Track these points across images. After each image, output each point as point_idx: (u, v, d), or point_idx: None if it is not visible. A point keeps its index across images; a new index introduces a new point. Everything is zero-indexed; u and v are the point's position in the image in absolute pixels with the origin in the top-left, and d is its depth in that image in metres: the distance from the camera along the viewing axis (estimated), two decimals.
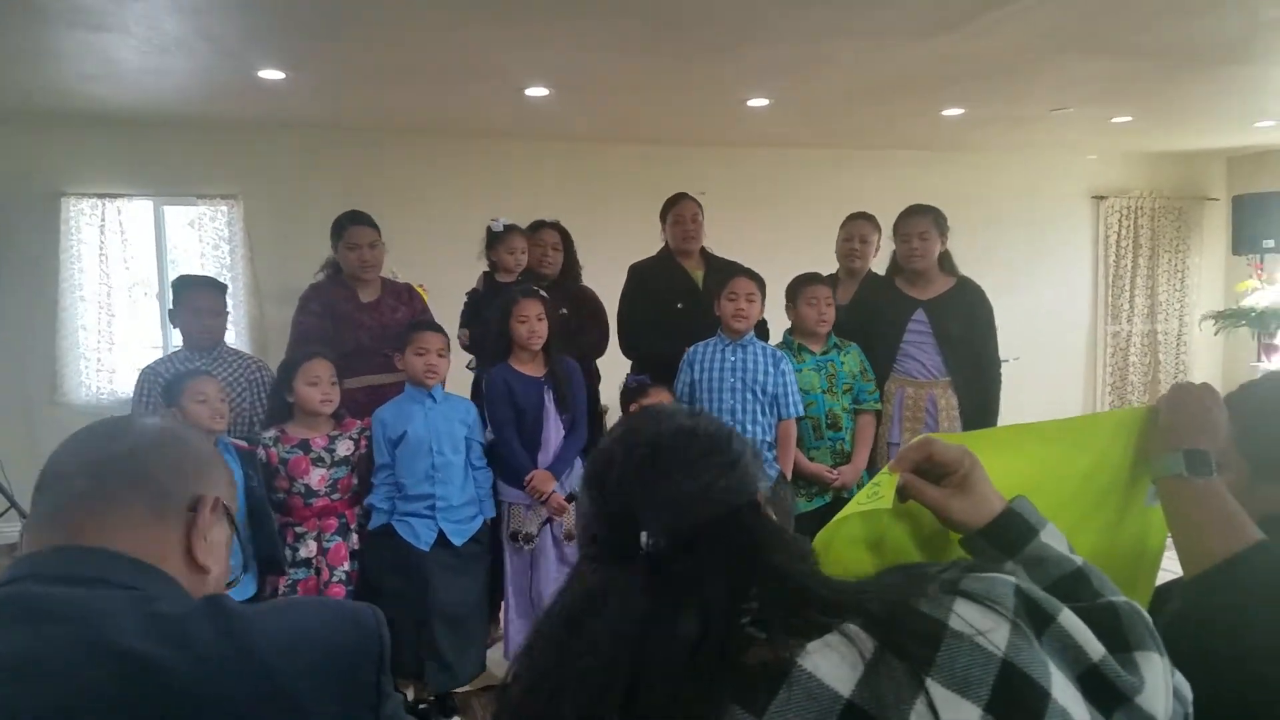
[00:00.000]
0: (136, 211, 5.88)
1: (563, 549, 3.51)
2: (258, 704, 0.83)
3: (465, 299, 4.06)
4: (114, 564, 0.90)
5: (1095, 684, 0.82)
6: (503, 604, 3.67)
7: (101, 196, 5.71)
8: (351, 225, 3.76)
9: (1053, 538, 1.05)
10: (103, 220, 5.72)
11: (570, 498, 3.48)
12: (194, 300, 3.60)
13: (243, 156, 5.95)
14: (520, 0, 3.56)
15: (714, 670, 0.79)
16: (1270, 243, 7.57)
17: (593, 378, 4.11)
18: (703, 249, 4.22)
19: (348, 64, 4.47)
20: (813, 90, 5.23)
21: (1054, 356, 7.64)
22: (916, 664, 0.77)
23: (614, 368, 4.18)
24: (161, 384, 3.38)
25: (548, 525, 3.49)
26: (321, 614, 0.93)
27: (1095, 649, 0.84)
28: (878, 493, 1.15)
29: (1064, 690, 0.79)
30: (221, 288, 3.77)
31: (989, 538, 1.06)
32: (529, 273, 4.00)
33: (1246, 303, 7.41)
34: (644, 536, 0.86)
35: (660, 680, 0.79)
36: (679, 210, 4.15)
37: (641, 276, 4.25)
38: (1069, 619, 0.85)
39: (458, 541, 3.36)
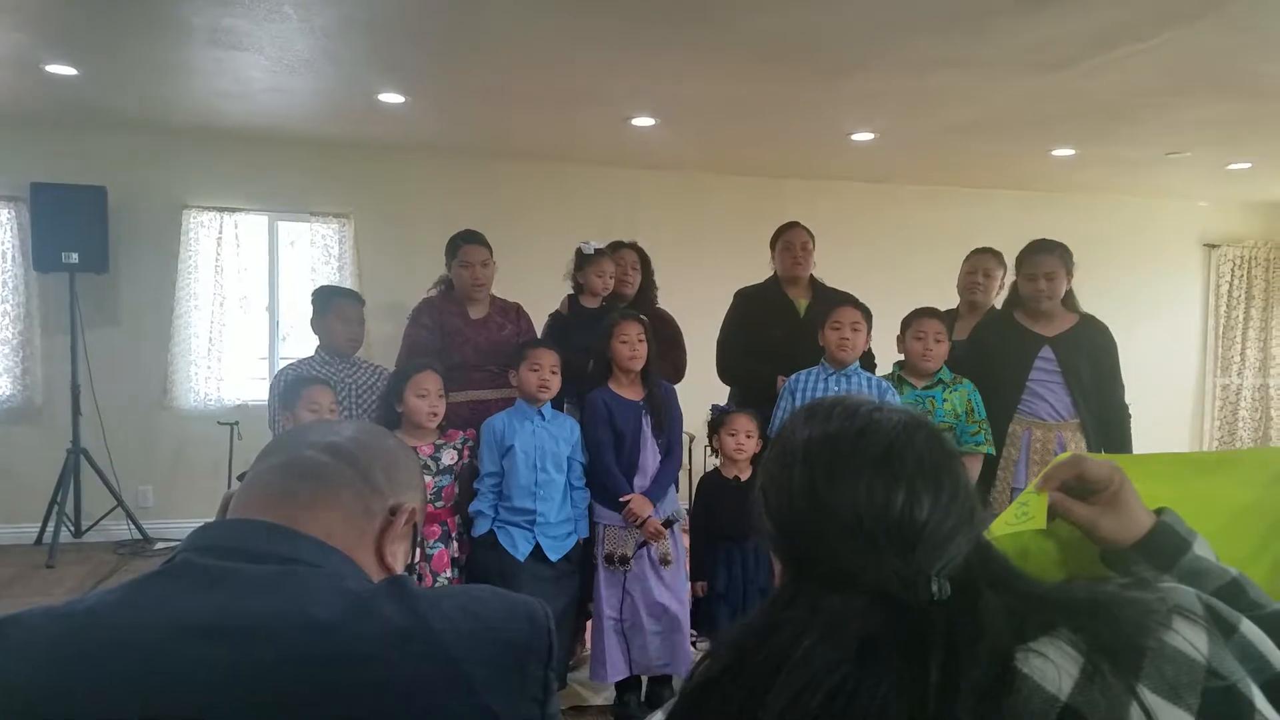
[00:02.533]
0: (252, 225, 6.11)
1: (660, 573, 3.49)
2: (434, 682, 0.84)
3: (547, 323, 4.07)
4: (311, 547, 0.93)
5: (1279, 694, 0.81)
6: (589, 624, 3.67)
7: (220, 210, 5.95)
8: (465, 244, 3.86)
9: (1204, 549, 1.03)
10: (220, 232, 5.95)
11: (667, 523, 3.47)
12: (343, 309, 3.82)
13: (356, 175, 6.15)
14: (631, 30, 3.63)
15: (1000, 711, 0.76)
16: None
17: None
18: (812, 278, 4.19)
19: (462, 89, 4.60)
20: (919, 125, 5.20)
21: (1159, 408, 7.36)
22: (1128, 671, 0.76)
23: (694, 394, 4.15)
24: (284, 386, 3.53)
25: (644, 548, 3.47)
26: (499, 604, 0.94)
27: (1278, 658, 0.83)
28: (1026, 512, 1.13)
29: (1262, 700, 0.79)
30: (362, 300, 4.00)
31: (1145, 552, 1.04)
32: (609, 294, 4.01)
33: None
34: (934, 585, 0.81)
35: None
36: (789, 237, 4.14)
37: (747, 302, 4.25)
38: (1251, 628, 0.84)
39: (554, 557, 3.39)
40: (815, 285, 4.19)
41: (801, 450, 0.89)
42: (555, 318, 4.05)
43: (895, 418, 0.90)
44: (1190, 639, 0.79)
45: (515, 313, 4.01)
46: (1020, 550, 1.14)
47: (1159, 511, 1.07)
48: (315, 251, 6.07)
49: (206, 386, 5.97)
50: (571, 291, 4.06)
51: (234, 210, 5.99)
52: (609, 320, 3.60)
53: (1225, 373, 7.88)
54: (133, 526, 5.71)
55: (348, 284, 5.73)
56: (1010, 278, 3.95)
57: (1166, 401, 7.54)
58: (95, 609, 0.85)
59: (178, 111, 5.19)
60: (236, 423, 5.53)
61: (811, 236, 4.16)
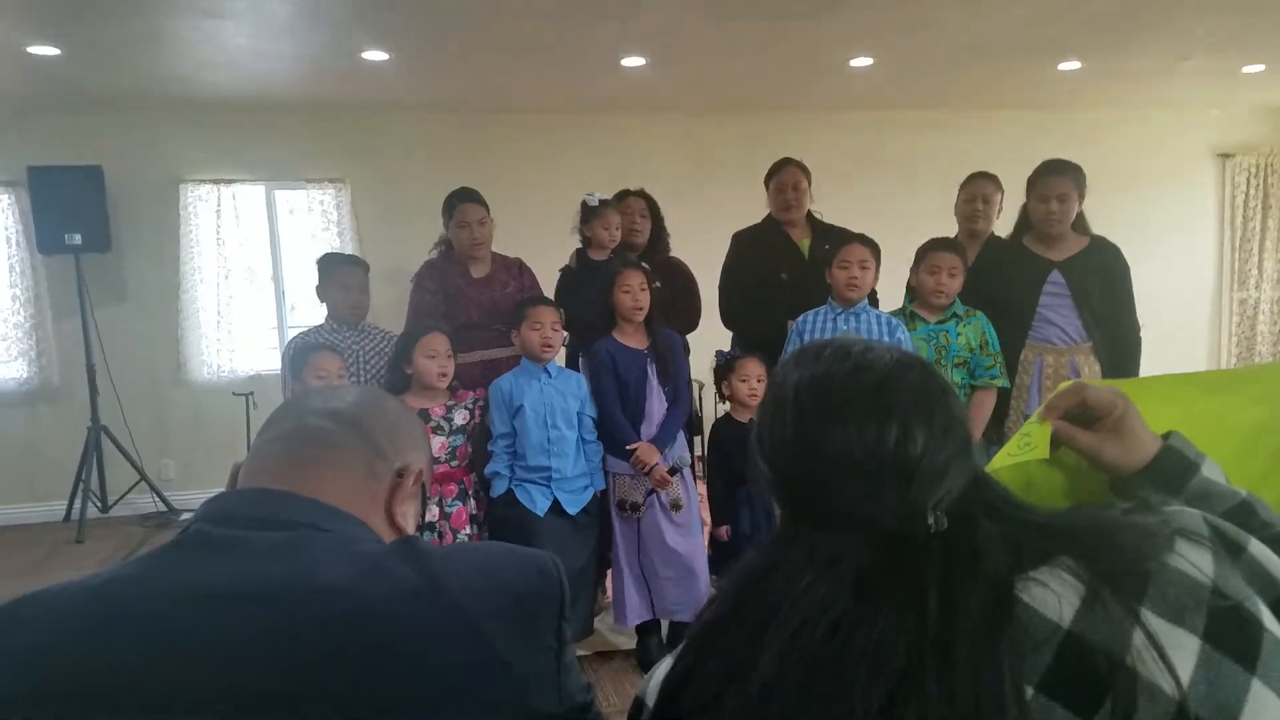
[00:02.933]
0: (248, 196, 6.09)
1: (671, 517, 3.52)
2: (450, 639, 0.85)
3: (559, 275, 4.06)
4: (323, 512, 0.94)
5: None
6: (609, 572, 3.70)
7: (216, 182, 5.93)
8: (461, 203, 3.82)
9: (1213, 471, 1.02)
10: (218, 205, 5.93)
11: (673, 470, 3.49)
12: (343, 277, 3.80)
13: (349, 140, 6.09)
14: None
15: (1000, 639, 0.75)
16: None
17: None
18: (810, 215, 4.10)
19: (447, 42, 4.53)
20: (919, 47, 5.07)
21: (1176, 325, 7.26)
22: (1130, 594, 0.77)
23: (702, 340, 4.13)
24: (293, 353, 3.56)
25: (654, 495, 3.49)
26: (510, 559, 0.95)
27: None
28: (1029, 443, 1.11)
29: (1271, 619, 0.79)
30: (365, 266, 3.97)
31: (1151, 477, 1.02)
32: (619, 244, 3.98)
33: None
34: (931, 518, 0.81)
35: (961, 662, 0.74)
36: (780, 178, 4.04)
37: (745, 245, 4.17)
38: (1259, 548, 0.84)
39: (572, 511, 3.43)
40: (814, 222, 4.11)
41: (793, 393, 0.89)
42: (565, 272, 4.03)
43: (886, 356, 0.89)
44: (1194, 561, 0.79)
45: (518, 268, 3.98)
46: (1025, 481, 1.13)
47: (1166, 435, 1.05)
48: (314, 219, 6.04)
49: (219, 359, 6.01)
50: (580, 245, 4.03)
51: (230, 182, 5.95)
52: (610, 269, 3.59)
53: (1243, 286, 7.74)
54: (157, 499, 5.80)
55: (348, 249, 5.71)
56: (1009, 201, 3.87)
57: (1183, 319, 7.43)
58: (111, 582, 0.86)
59: (165, 84, 5.14)
60: (251, 393, 5.56)
61: (805, 173, 4.04)
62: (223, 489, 1.01)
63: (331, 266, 3.86)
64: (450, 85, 5.47)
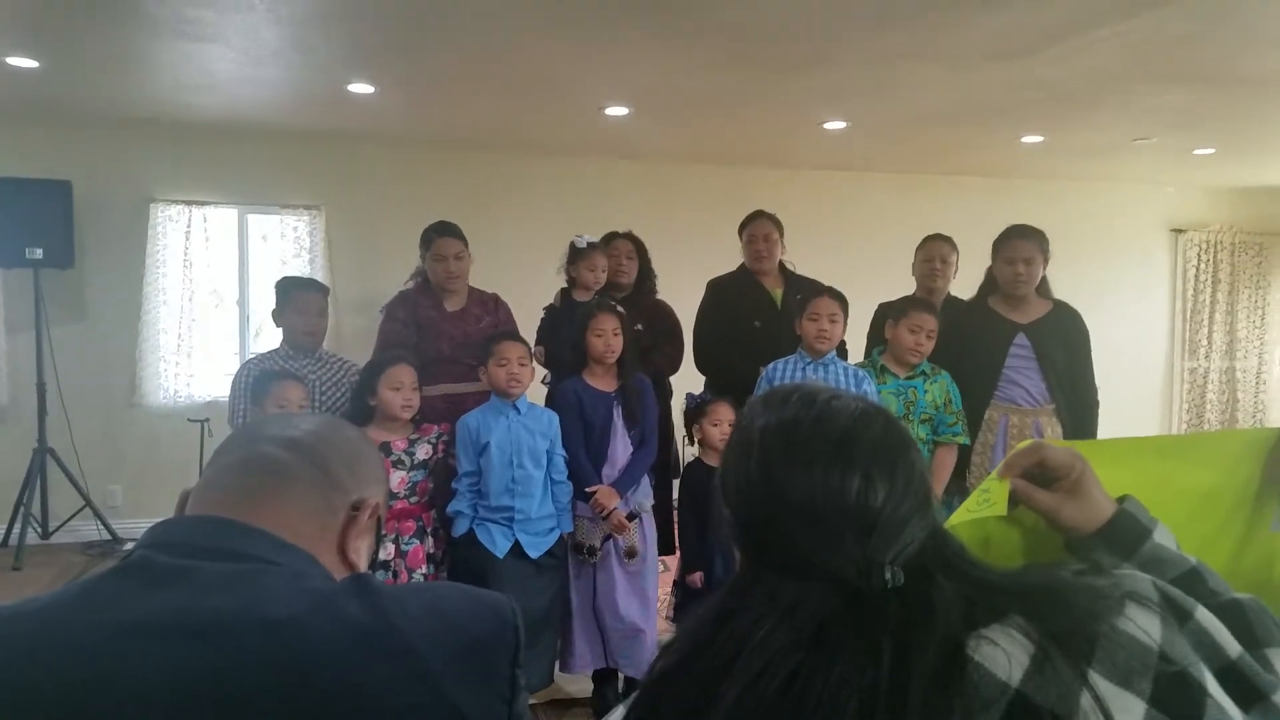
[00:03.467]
0: (221, 219, 6.02)
1: (625, 566, 3.48)
2: (399, 681, 0.83)
3: (543, 314, 4.06)
4: (273, 545, 0.92)
5: (1232, 681, 0.82)
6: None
7: (188, 203, 5.86)
8: (439, 237, 3.80)
9: (1164, 537, 1.04)
10: (188, 226, 5.86)
11: (631, 516, 3.45)
12: (302, 301, 3.67)
13: (327, 168, 6.08)
14: (602, 19, 3.61)
15: (951, 698, 0.76)
16: None
17: (665, 395, 4.09)
18: (783, 265, 4.18)
19: (435, 79, 4.56)
20: (890, 113, 5.22)
21: (1129, 392, 7.43)
22: (1079, 656, 0.77)
23: (683, 385, 4.15)
24: (251, 381, 3.46)
25: (610, 540, 3.45)
26: (465, 601, 0.94)
27: (1233, 646, 0.85)
28: (988, 499, 1.13)
29: (1214, 685, 0.80)
30: (325, 290, 3.85)
31: (1105, 540, 1.04)
32: (605, 285, 4.00)
33: None
34: (888, 573, 0.81)
35: (916, 716, 0.75)
36: (753, 229, 4.13)
37: (720, 292, 4.23)
38: (1205, 615, 0.85)
39: (534, 554, 3.35)
40: (787, 273, 4.19)
41: (759, 437, 0.89)
42: (549, 311, 4.03)
43: (852, 405, 0.90)
44: (1143, 625, 0.80)
45: (494, 304, 3.96)
46: (983, 538, 1.15)
47: (1121, 499, 1.07)
48: (286, 245, 6.00)
49: (176, 383, 5.89)
50: (565, 285, 4.03)
51: (202, 204, 5.90)
52: (584, 311, 3.58)
53: (1193, 356, 7.99)
54: (101, 527, 5.63)
55: (319, 277, 5.67)
56: (974, 262, 3.97)
57: (1136, 385, 7.64)
58: (47, 608, 0.83)
59: (143, 104, 5.10)
60: (207, 420, 5.46)
61: (777, 225, 4.13)
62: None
63: (289, 290, 3.73)
64: (433, 120, 5.49)
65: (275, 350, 3.72)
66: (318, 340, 3.73)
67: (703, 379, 4.25)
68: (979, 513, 1.13)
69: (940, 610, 0.80)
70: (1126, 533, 1.03)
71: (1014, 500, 1.10)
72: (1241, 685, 0.82)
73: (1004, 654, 0.77)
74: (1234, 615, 0.91)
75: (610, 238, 4.14)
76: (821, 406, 0.89)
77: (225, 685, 0.79)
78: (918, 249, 4.17)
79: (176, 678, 0.78)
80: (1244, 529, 1.28)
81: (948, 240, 4.12)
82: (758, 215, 4.17)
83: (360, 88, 4.67)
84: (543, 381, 4.08)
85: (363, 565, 1.02)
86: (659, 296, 4.23)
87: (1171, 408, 7.97)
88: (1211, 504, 1.27)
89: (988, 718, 0.75)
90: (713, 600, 0.89)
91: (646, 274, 4.19)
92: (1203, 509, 1.26)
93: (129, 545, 4.97)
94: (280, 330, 3.74)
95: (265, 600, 0.84)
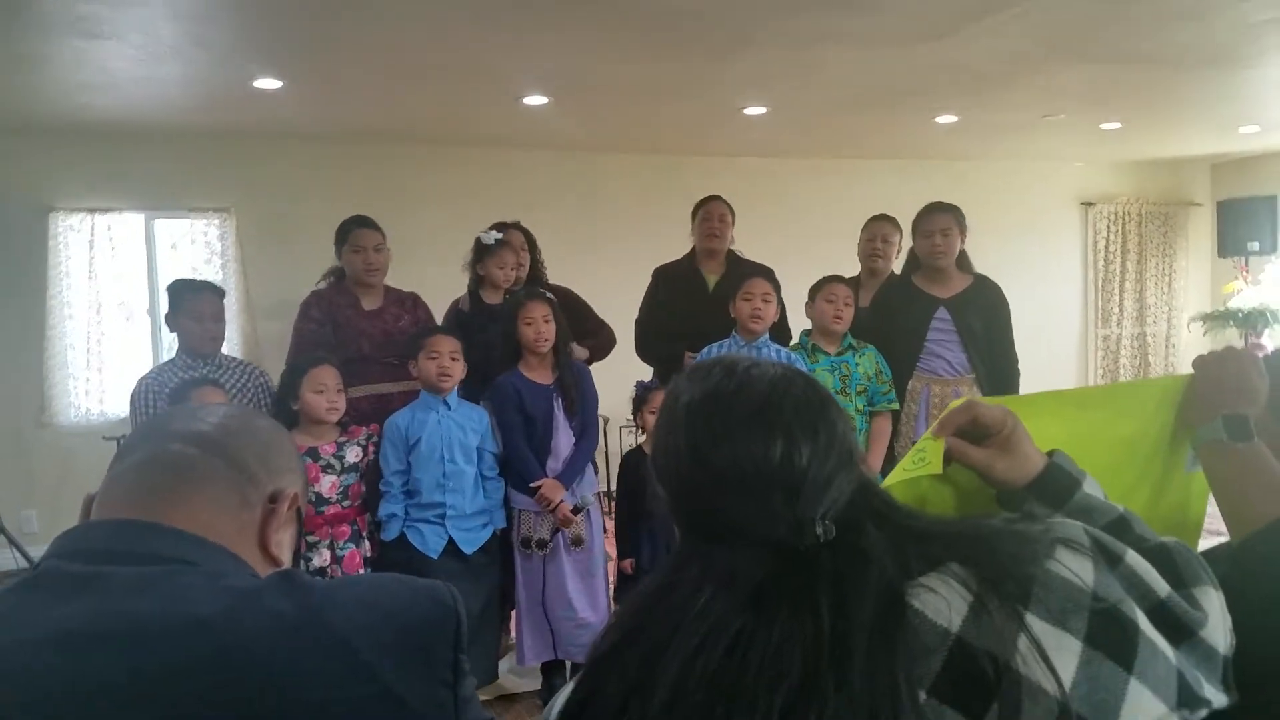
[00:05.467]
0: (126, 226, 5.80)
1: (573, 555, 3.48)
2: (334, 675, 0.81)
3: (446, 319, 3.92)
4: (189, 544, 0.88)
5: (1163, 619, 0.85)
6: (513, 613, 3.63)
7: (91, 211, 5.62)
8: (357, 228, 3.71)
9: (1093, 488, 1.08)
10: (92, 235, 5.63)
11: (577, 509, 3.45)
12: (196, 305, 3.51)
13: (235, 168, 5.89)
14: (516, 6, 3.55)
15: (894, 644, 0.77)
16: (1255, 245, 7.73)
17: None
18: (730, 253, 4.18)
19: (343, 72, 4.44)
20: (808, 98, 5.26)
21: (1046, 360, 7.62)
22: (1016, 600, 0.79)
23: (614, 376, 4.14)
24: (166, 393, 3.32)
25: (560, 532, 3.44)
26: (400, 590, 0.91)
27: (1161, 586, 0.87)
28: (923, 458, 1.15)
29: (1145, 622, 0.83)
30: (221, 292, 3.70)
31: (1037, 493, 1.07)
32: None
33: (1233, 304, 7.57)
34: (819, 528, 0.82)
35: (857, 669, 0.76)
36: (709, 208, 4.13)
37: (660, 280, 4.25)
38: (1135, 559, 0.88)
39: (468, 550, 3.33)
40: (730, 259, 4.19)
41: (684, 412, 0.90)
42: (456, 312, 3.91)
43: (771, 371, 0.91)
44: (1075, 568, 0.83)
45: (412, 302, 3.87)
46: (918, 497, 1.16)
47: (1050, 453, 1.10)
48: (196, 250, 5.81)
49: (88, 401, 5.66)
50: (470, 285, 3.94)
51: (105, 210, 5.66)
52: (512, 301, 3.55)
53: (1106, 324, 8.29)
54: (18, 554, 5.36)
55: (231, 282, 5.51)
56: (908, 243, 4.04)
57: (1052, 353, 7.87)
58: None
59: (37, 107, 4.87)
60: (122, 437, 5.25)
61: (731, 210, 4.15)
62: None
63: (181, 294, 3.54)
64: (344, 114, 5.36)
65: (172, 360, 3.57)
66: (217, 345, 3.58)
67: (634, 371, 4.23)
68: (915, 472, 1.14)
69: (874, 558, 0.81)
70: (1057, 485, 1.07)
71: (948, 458, 1.12)
72: (1172, 623, 0.85)
73: (943, 601, 0.79)
74: (1162, 558, 0.93)
75: (501, 227, 4.02)
76: (741, 376, 0.90)
77: (150, 692, 0.76)
78: (862, 229, 4.27)
79: (98, 688, 0.75)
80: (1161, 472, 1.34)
81: (890, 220, 4.23)
82: (714, 197, 4.20)
83: (266, 83, 4.53)
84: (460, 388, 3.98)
85: (286, 558, 0.99)
86: (553, 283, 4.16)
87: (1087, 374, 8.26)
88: (1132, 451, 1.32)
89: (930, 663, 0.76)
90: (652, 576, 0.90)
91: (537, 263, 4.14)
92: (1124, 456, 1.31)
93: None
94: (175, 337, 3.58)
95: (184, 601, 0.80)
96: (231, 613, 0.80)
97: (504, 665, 3.75)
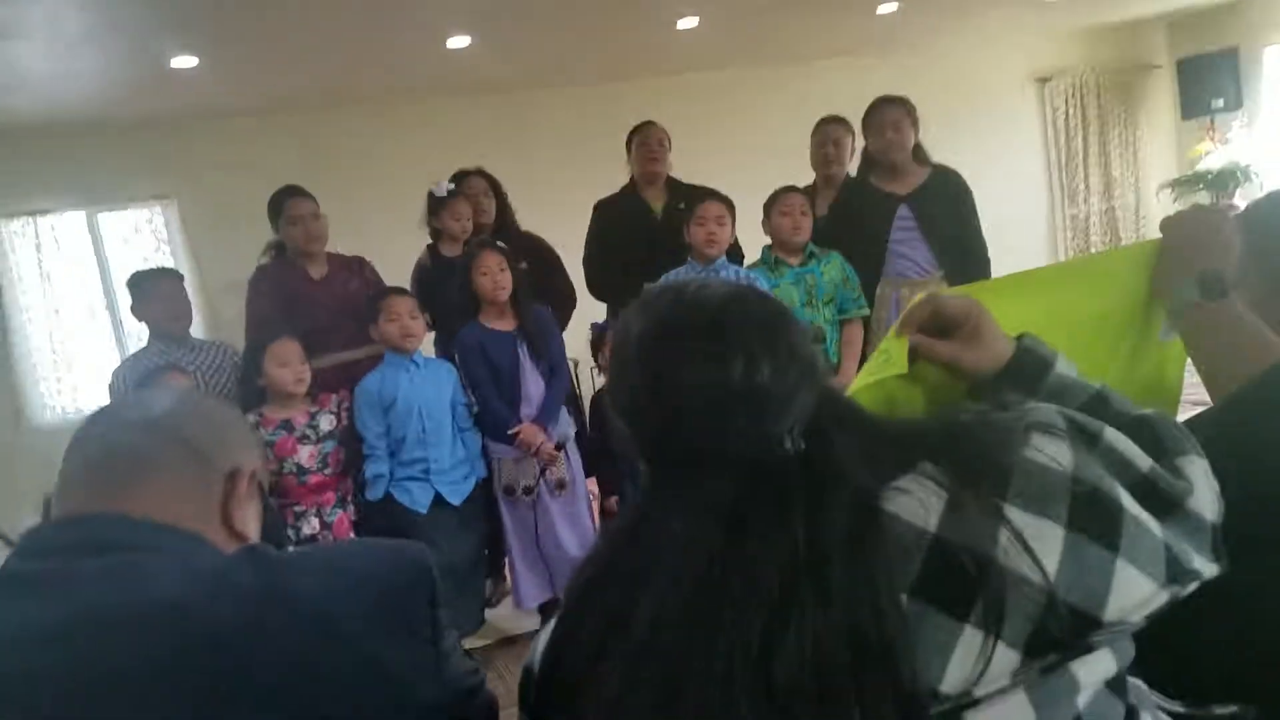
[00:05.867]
0: (69, 225, 5.74)
1: (560, 500, 3.49)
2: (309, 644, 0.81)
3: (413, 278, 3.89)
4: (152, 531, 0.88)
5: (1147, 493, 0.84)
6: (506, 560, 3.66)
7: (32, 214, 5.57)
8: (290, 199, 3.64)
9: (1066, 367, 1.06)
10: (37, 238, 5.59)
11: (559, 446, 3.45)
12: (155, 291, 3.55)
13: (170, 154, 5.79)
14: None
15: (871, 550, 0.76)
16: (1219, 102, 7.61)
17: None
18: (669, 178, 4.10)
19: (259, 40, 4.34)
20: (740, 1, 5.10)
21: (1015, 246, 7.51)
22: (993, 493, 0.78)
23: (577, 315, 4.10)
24: (133, 382, 3.33)
25: (543, 476, 3.45)
26: (366, 553, 0.92)
27: (1143, 460, 0.86)
28: (888, 358, 1.13)
29: (1129, 500, 0.81)
30: (179, 275, 3.74)
31: (1008, 379, 1.05)
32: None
33: (1202, 166, 7.47)
34: (787, 443, 0.81)
35: (835, 578, 0.75)
36: (645, 133, 4.04)
37: (602, 214, 4.15)
38: (1114, 435, 0.87)
39: (455, 501, 3.36)
40: (672, 184, 4.11)
41: (636, 343, 0.88)
42: (419, 270, 3.88)
43: (722, 290, 0.89)
44: (1051, 452, 0.81)
45: (358, 265, 3.83)
46: (887, 398, 1.14)
47: (1019, 337, 1.08)
48: (144, 241, 5.77)
49: (61, 400, 5.65)
50: (430, 240, 3.89)
51: (45, 212, 5.61)
52: (466, 254, 3.51)
53: (1073, 202, 8.20)
54: None
55: (183, 268, 5.44)
56: (860, 145, 3.97)
57: (1021, 239, 7.72)
58: None
59: None
60: None
61: (667, 135, 4.07)
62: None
63: (140, 283, 3.60)
64: (267, 85, 5.25)
65: (146, 348, 3.60)
66: (185, 325, 3.63)
67: (598, 308, 4.17)
68: (880, 373, 1.12)
69: (844, 465, 0.80)
70: (1029, 369, 1.05)
71: (914, 356, 1.10)
72: (1156, 496, 0.84)
73: (918, 502, 0.78)
74: (1141, 430, 0.92)
75: (461, 176, 3.98)
76: (691, 298, 0.88)
77: (132, 680, 0.76)
78: (811, 135, 4.15)
79: (77, 682, 0.75)
80: (1136, 344, 1.31)
81: (841, 121, 4.10)
82: (649, 123, 4.10)
83: (183, 61, 4.42)
84: (435, 344, 3.98)
85: (253, 535, 1.00)
86: (524, 230, 4.12)
87: (1058, 255, 8.20)
88: (1104, 325, 1.29)
89: (909, 565, 0.75)
90: (626, 510, 0.93)
91: (505, 209, 4.07)
92: (1096, 330, 1.28)
93: None
94: (145, 326, 3.62)
95: (153, 587, 0.81)
96: (202, 593, 0.80)
97: (502, 609, 3.78)
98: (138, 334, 5.80)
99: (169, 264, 5.55)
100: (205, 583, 0.82)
